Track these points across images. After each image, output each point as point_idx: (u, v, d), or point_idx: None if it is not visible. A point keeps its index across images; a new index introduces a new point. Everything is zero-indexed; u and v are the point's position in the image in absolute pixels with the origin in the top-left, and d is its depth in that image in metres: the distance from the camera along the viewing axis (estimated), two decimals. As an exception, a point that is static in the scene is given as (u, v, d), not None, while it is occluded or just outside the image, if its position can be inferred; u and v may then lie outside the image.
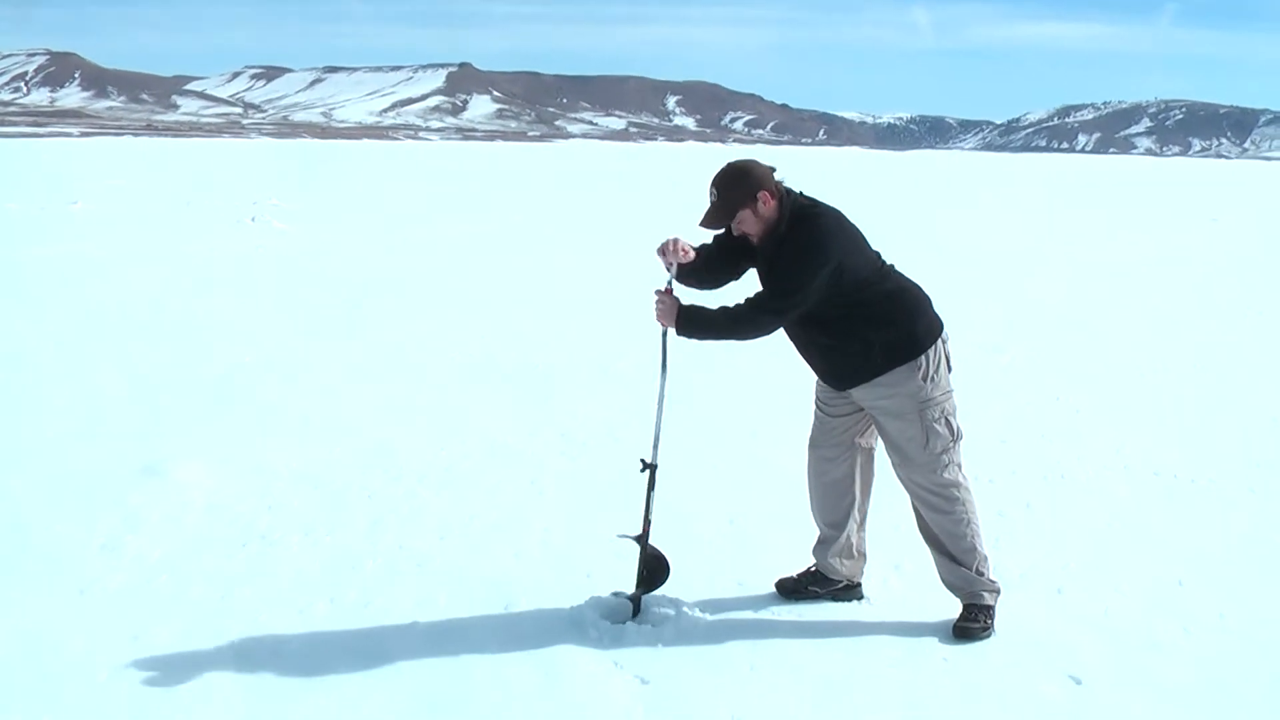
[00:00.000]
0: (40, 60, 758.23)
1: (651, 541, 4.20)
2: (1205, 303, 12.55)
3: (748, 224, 3.97)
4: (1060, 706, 3.58)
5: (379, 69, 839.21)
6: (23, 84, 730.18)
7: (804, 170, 32.14)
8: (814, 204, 4.00)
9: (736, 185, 3.95)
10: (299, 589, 4.42)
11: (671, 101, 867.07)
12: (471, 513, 5.31)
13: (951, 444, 4.00)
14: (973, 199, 35.66)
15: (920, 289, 4.10)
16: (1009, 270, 15.27)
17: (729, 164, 4.04)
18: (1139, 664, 3.84)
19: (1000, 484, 5.73)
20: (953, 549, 4.07)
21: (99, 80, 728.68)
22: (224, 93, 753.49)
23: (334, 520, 5.18)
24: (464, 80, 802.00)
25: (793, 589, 4.36)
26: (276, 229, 19.34)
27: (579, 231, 20.28)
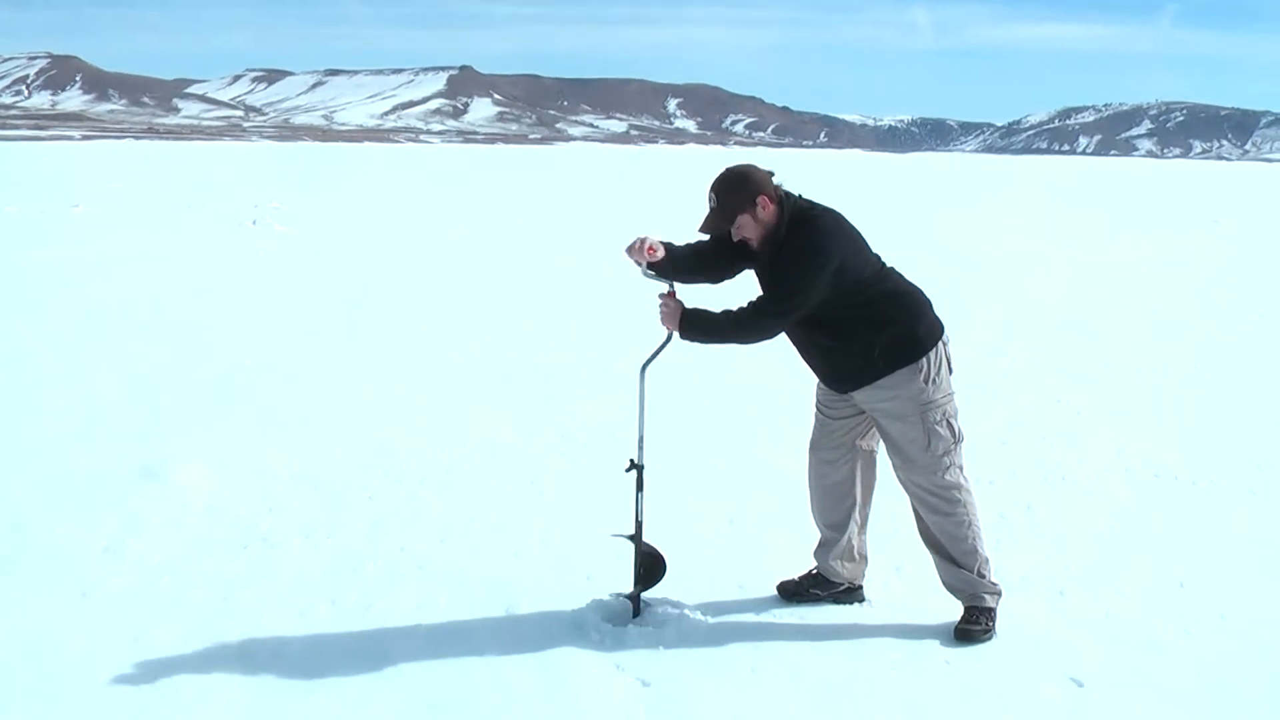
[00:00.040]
0: (41, 63, 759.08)
1: (646, 540, 4.19)
2: (1206, 304, 12.55)
3: (747, 229, 3.96)
4: (1062, 708, 3.58)
5: (380, 72, 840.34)
6: (24, 87, 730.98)
7: (805, 173, 32.15)
8: (813, 206, 4.00)
9: (735, 190, 3.95)
10: (300, 591, 4.42)
11: (672, 104, 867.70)
12: (472, 514, 5.31)
13: (953, 446, 4.00)
14: (974, 201, 35.69)
15: (921, 291, 4.10)
16: (1010, 272, 15.27)
17: (727, 169, 4.04)
18: (1140, 666, 3.83)
19: (1001, 486, 5.72)
20: (954, 551, 4.06)
21: (100, 83, 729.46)
22: (225, 96, 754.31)
23: (335, 522, 5.18)
24: (465, 83, 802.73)
25: (794, 591, 4.36)
26: (277, 232, 19.36)
27: (579, 233, 20.28)
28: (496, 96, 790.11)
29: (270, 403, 7.35)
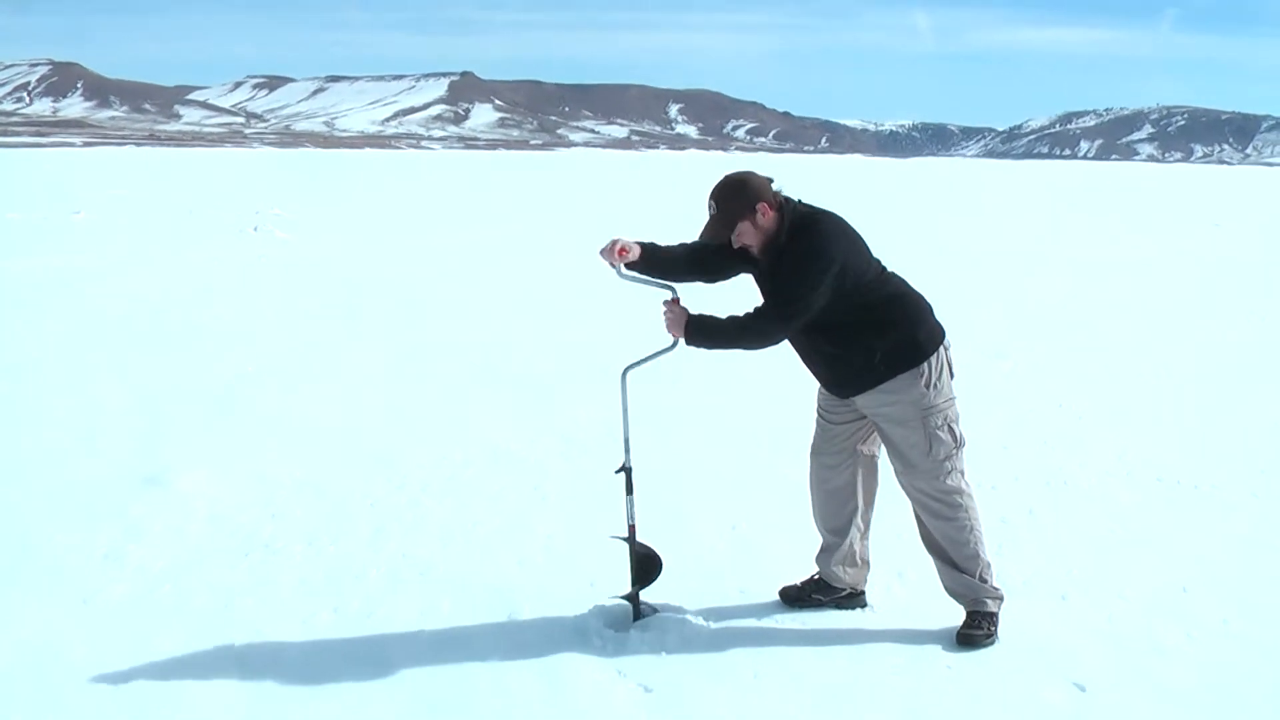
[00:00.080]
0: (43, 70, 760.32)
1: (643, 540, 4.19)
2: (1208, 308, 12.54)
3: (747, 236, 3.97)
4: (1064, 713, 3.58)
5: (381, 78, 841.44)
6: (25, 94, 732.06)
7: (807, 178, 32.17)
8: (814, 211, 4.00)
9: (734, 198, 3.95)
10: (302, 598, 4.42)
11: (674, 109, 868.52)
12: (474, 520, 5.31)
13: (954, 451, 4.00)
14: (975, 206, 35.69)
15: (922, 296, 4.10)
16: (1011, 276, 15.27)
17: (726, 176, 4.04)
18: (1143, 670, 3.83)
19: (1003, 490, 5.72)
20: (956, 556, 4.06)
21: (101, 90, 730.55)
22: (226, 102, 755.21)
23: (337, 529, 5.18)
24: (466, 89, 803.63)
25: (796, 597, 4.35)
26: (278, 238, 19.37)
27: (580, 239, 20.26)
28: (498, 102, 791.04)
29: (272, 409, 7.36)
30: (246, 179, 45.49)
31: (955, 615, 4.10)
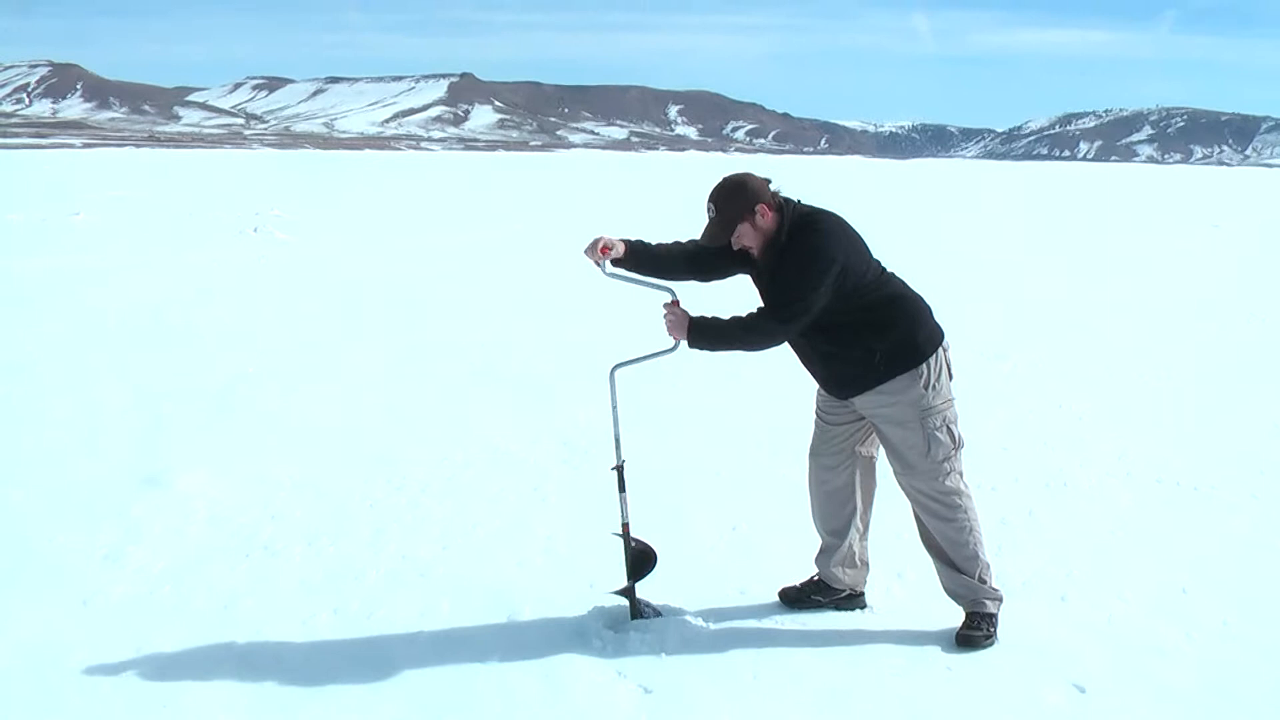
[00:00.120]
0: (42, 71, 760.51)
1: (639, 537, 4.20)
2: (1207, 309, 12.54)
3: (747, 237, 3.97)
4: (1064, 714, 3.58)
5: (381, 79, 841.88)
6: (25, 95, 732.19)
7: (806, 180, 32.17)
8: (814, 211, 4.00)
9: (733, 200, 3.95)
10: (302, 599, 4.42)
11: (673, 111, 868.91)
12: (474, 521, 5.31)
13: (953, 452, 4.00)
14: (975, 207, 35.71)
15: (921, 298, 4.11)
16: (1011, 278, 15.27)
17: (724, 178, 4.03)
18: (1143, 671, 3.83)
19: (1003, 491, 5.72)
20: (955, 557, 4.06)
21: (101, 91, 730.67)
22: (226, 104, 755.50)
23: (337, 530, 5.18)
24: (465, 90, 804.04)
25: (796, 598, 4.36)
26: (278, 239, 19.38)
27: (580, 240, 20.23)
28: (497, 104, 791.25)
29: (272, 410, 7.36)
30: (246, 180, 45.52)
31: (955, 616, 4.10)
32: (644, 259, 4.14)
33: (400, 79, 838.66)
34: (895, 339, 3.95)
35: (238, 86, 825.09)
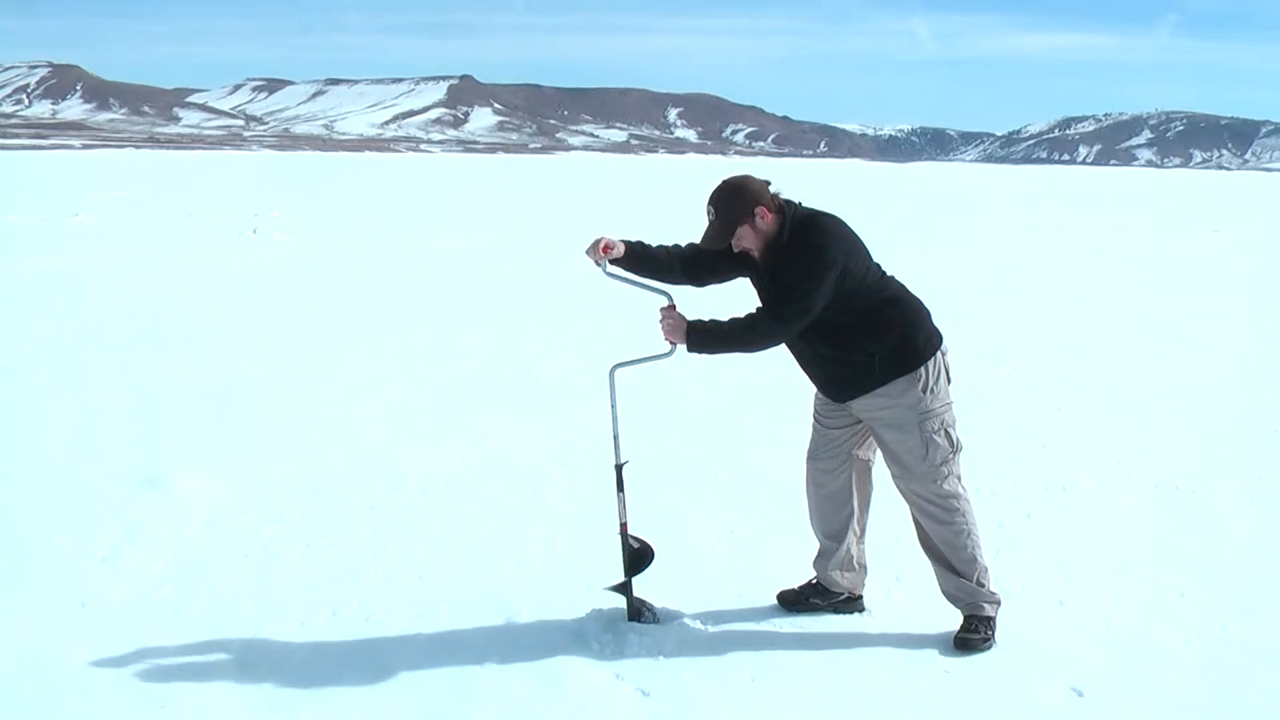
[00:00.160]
0: (42, 72, 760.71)
1: (634, 535, 4.21)
2: (1206, 313, 12.55)
3: (747, 239, 3.97)
4: (1062, 717, 3.58)
5: (380, 81, 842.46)
6: (25, 96, 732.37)
7: (806, 183, 32.19)
8: (814, 213, 4.01)
9: (733, 203, 3.95)
10: (301, 601, 4.42)
11: (673, 113, 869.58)
12: (473, 523, 5.31)
13: (951, 455, 4.00)
14: (974, 210, 35.72)
15: (920, 301, 4.11)
16: (1009, 281, 15.28)
17: (724, 181, 4.04)
18: (1141, 674, 3.83)
19: (1001, 495, 5.73)
20: (953, 560, 4.07)
21: (101, 92, 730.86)
22: (226, 105, 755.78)
23: (336, 532, 5.18)
24: (465, 92, 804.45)
25: (794, 601, 4.36)
26: (278, 241, 19.38)
27: (579, 242, 20.24)
28: (497, 106, 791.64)
29: (271, 412, 7.36)
30: (246, 181, 45.54)
31: (953, 619, 4.10)
32: (642, 260, 4.15)
33: (400, 81, 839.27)
34: (894, 342, 3.95)
35: (237, 88, 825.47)
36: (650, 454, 5.95)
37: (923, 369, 3.95)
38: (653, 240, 4.25)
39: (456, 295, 13.12)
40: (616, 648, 4.00)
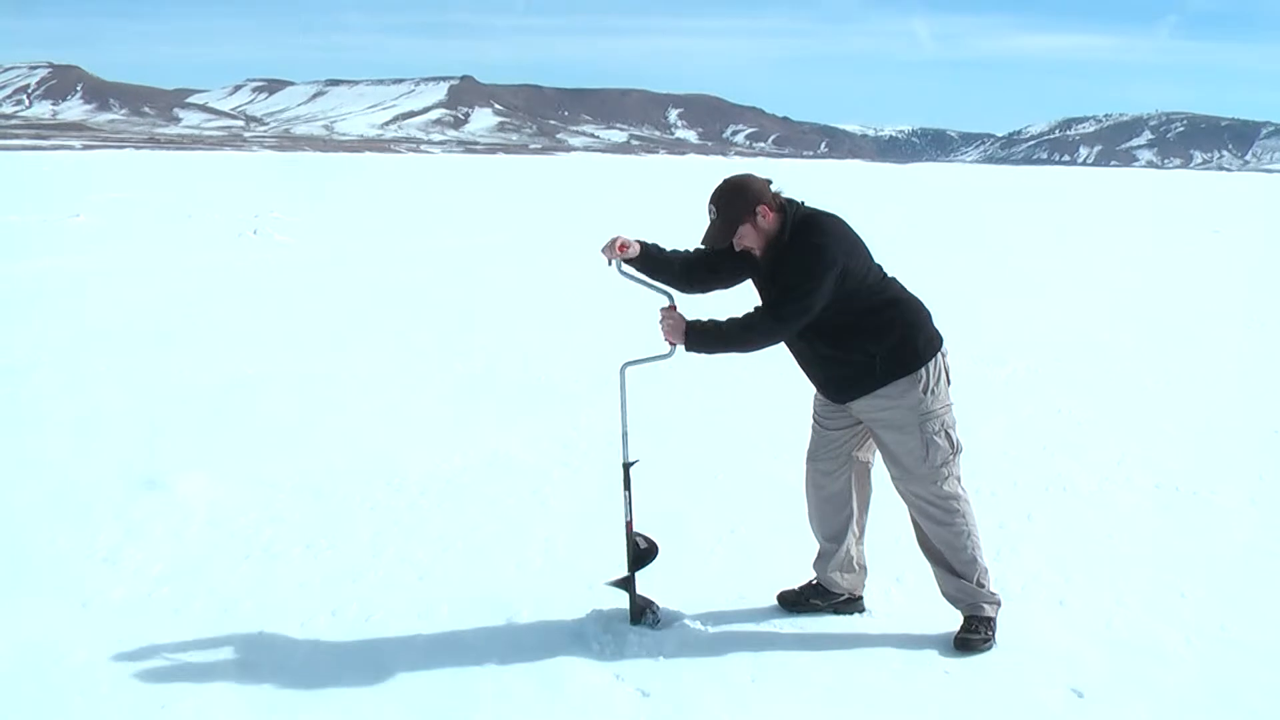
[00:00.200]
0: (42, 73, 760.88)
1: (639, 532, 4.21)
2: (1207, 314, 12.55)
3: (749, 238, 3.97)
4: (1062, 718, 3.58)
5: (381, 82, 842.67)
6: (25, 96, 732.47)
7: (806, 183, 32.18)
8: (816, 213, 4.01)
9: (734, 202, 3.95)
10: (301, 601, 4.42)
11: (673, 114, 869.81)
12: (473, 524, 5.31)
13: (951, 456, 4.00)
14: (974, 211, 35.72)
15: (921, 302, 4.11)
16: (1010, 282, 15.28)
17: (725, 180, 4.04)
18: (1141, 675, 3.83)
19: (1002, 496, 5.73)
20: (953, 561, 4.07)
21: (101, 93, 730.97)
22: (226, 106, 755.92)
23: (336, 532, 5.18)
24: (465, 93, 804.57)
25: (794, 602, 4.36)
26: (278, 242, 19.39)
27: (579, 243, 20.28)
28: (497, 106, 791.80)
29: (271, 413, 7.36)
30: (246, 182, 45.55)
31: (953, 620, 4.10)
32: (652, 262, 4.15)
33: (400, 81, 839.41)
34: (895, 343, 3.95)
35: (238, 89, 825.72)
36: (650, 454, 5.94)
37: (923, 370, 3.95)
38: (653, 241, 4.25)
39: (457, 296, 13.12)
40: (616, 648, 4.00)
